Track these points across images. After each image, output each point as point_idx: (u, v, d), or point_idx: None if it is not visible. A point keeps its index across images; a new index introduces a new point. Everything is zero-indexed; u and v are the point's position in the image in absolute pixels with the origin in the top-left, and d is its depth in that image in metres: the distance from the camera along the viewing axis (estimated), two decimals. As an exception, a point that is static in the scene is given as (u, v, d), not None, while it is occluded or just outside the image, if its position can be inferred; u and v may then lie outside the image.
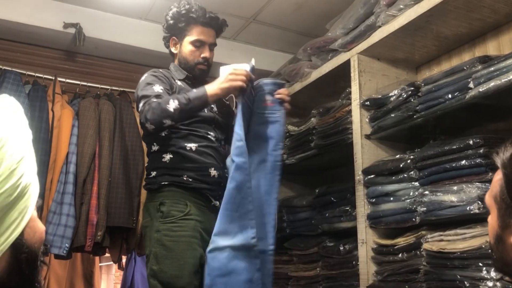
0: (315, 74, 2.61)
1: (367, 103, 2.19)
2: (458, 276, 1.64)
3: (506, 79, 1.59)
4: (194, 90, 1.88)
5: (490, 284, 1.54)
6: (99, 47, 3.11)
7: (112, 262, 3.24)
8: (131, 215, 2.75)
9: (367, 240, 2.06)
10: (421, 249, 1.82)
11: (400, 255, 1.91)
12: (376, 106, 2.17)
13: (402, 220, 1.92)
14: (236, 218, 1.73)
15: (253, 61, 1.93)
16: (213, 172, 1.95)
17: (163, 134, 1.97)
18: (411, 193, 1.89)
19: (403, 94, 2.02)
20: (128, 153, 2.87)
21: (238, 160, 1.76)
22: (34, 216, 0.80)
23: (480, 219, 1.64)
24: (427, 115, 1.90)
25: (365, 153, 2.17)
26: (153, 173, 1.95)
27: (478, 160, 1.67)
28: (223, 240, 1.73)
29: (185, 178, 1.91)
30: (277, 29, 3.25)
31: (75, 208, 2.63)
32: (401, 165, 1.95)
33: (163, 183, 1.91)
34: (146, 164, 2.11)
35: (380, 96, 2.15)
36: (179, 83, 2.05)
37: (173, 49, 2.17)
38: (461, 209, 1.67)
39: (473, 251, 1.62)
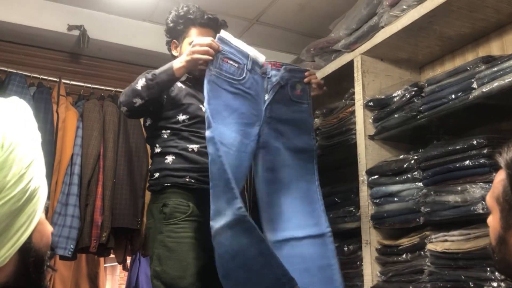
0: (319, 75, 2.60)
1: (371, 103, 2.19)
2: (463, 277, 1.64)
3: (510, 79, 1.58)
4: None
5: (494, 284, 1.53)
6: (103, 49, 3.12)
7: (117, 263, 3.25)
8: (135, 216, 2.76)
9: (371, 240, 2.06)
10: (425, 250, 1.82)
11: (404, 255, 1.91)
12: (379, 107, 2.17)
13: (406, 220, 1.92)
14: (221, 192, 1.69)
15: (222, 33, 1.90)
16: None
17: (165, 136, 1.97)
18: (415, 194, 1.89)
19: (406, 94, 2.02)
20: (132, 155, 2.88)
21: (207, 133, 1.74)
22: (42, 219, 0.80)
23: (484, 219, 1.61)
24: (430, 115, 1.90)
25: (368, 153, 2.17)
26: (156, 175, 1.96)
27: (482, 160, 1.66)
28: (218, 221, 1.68)
29: (187, 179, 1.91)
30: (280, 30, 3.25)
31: (80, 209, 2.65)
32: (404, 166, 1.95)
33: (165, 184, 1.92)
34: (149, 166, 2.12)
35: (383, 97, 2.15)
36: (180, 85, 2.05)
37: (174, 52, 2.17)
38: (465, 209, 1.67)
39: (477, 252, 1.62)
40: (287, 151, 1.95)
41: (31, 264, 0.75)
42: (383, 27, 2.16)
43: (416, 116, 1.96)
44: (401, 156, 2.02)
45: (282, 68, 1.99)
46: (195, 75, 2.06)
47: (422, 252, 1.83)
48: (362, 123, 2.20)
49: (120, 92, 3.06)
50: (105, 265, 4.73)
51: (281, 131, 1.96)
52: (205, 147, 1.95)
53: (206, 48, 1.80)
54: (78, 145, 2.75)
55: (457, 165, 1.74)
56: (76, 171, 2.69)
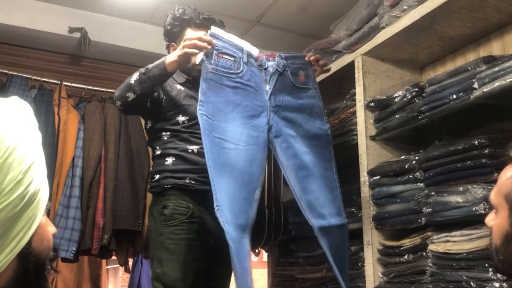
0: (319, 76, 2.60)
1: (372, 104, 2.19)
2: (464, 277, 1.64)
3: (511, 79, 1.58)
4: None
5: (496, 285, 1.53)
6: (104, 51, 3.13)
7: (119, 265, 3.25)
8: (137, 218, 2.76)
9: (372, 241, 2.06)
10: (427, 250, 1.81)
11: (406, 256, 1.91)
12: (380, 107, 2.16)
13: (407, 221, 1.91)
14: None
15: (213, 29, 1.89)
16: None
17: (165, 138, 1.97)
18: (417, 194, 1.88)
19: (407, 95, 2.02)
20: (133, 156, 2.89)
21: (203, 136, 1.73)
22: (43, 222, 0.77)
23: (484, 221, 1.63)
24: (432, 115, 1.90)
25: (370, 154, 2.17)
26: (157, 177, 1.96)
27: (483, 161, 1.66)
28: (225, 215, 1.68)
29: (187, 181, 1.91)
30: (281, 31, 3.25)
31: (81, 212, 2.65)
32: (406, 166, 1.95)
33: (166, 186, 1.92)
34: (151, 168, 2.12)
35: (384, 97, 2.14)
36: (179, 87, 2.05)
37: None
38: (466, 209, 1.66)
39: (479, 252, 1.61)
40: (301, 138, 1.91)
41: (30, 270, 0.73)
42: (383, 27, 2.15)
43: (417, 117, 1.96)
44: (403, 157, 2.02)
45: (277, 56, 1.96)
46: (194, 76, 2.05)
47: (424, 253, 1.83)
48: (363, 123, 2.20)
49: (121, 94, 3.09)
50: (107, 267, 4.74)
51: (291, 119, 1.92)
52: None
53: (195, 41, 1.78)
54: (79, 147, 2.76)
55: (459, 166, 1.74)
56: (78, 173, 2.70)
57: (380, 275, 2.01)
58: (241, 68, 1.86)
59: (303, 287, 2.54)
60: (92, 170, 2.73)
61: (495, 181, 1.58)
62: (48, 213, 0.82)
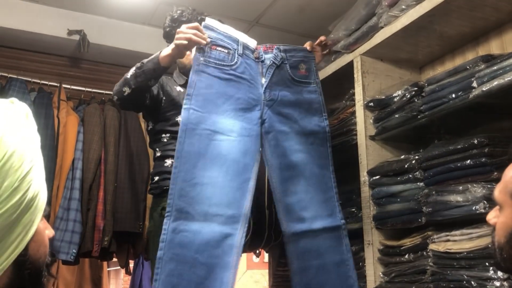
0: (319, 76, 2.61)
1: (371, 104, 2.19)
2: (465, 276, 1.63)
3: (509, 78, 1.58)
4: None
5: (497, 283, 1.53)
6: (104, 53, 3.13)
7: (120, 267, 3.25)
8: (137, 220, 2.76)
9: (373, 241, 2.06)
10: (428, 250, 1.81)
11: (406, 256, 1.91)
12: (380, 107, 2.16)
13: (408, 220, 1.91)
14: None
15: (208, 20, 1.84)
16: None
17: (165, 140, 1.97)
18: (417, 194, 1.88)
19: (406, 94, 2.02)
20: (133, 158, 2.89)
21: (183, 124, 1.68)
22: (40, 227, 0.75)
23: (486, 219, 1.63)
24: (431, 115, 1.90)
25: (369, 154, 2.17)
26: (156, 178, 1.96)
27: (483, 160, 1.66)
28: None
29: None
30: (280, 32, 3.25)
31: (81, 214, 2.66)
32: (406, 166, 1.95)
33: (165, 187, 1.91)
34: (151, 170, 2.12)
35: (383, 97, 2.14)
36: (179, 88, 2.05)
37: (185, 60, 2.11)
38: (466, 209, 1.66)
39: (479, 251, 1.61)
40: (296, 135, 1.82)
41: (26, 277, 0.71)
42: (382, 27, 2.15)
43: (417, 116, 1.96)
44: (402, 156, 2.02)
45: (275, 49, 1.88)
46: None
47: (424, 252, 1.83)
48: (363, 123, 2.20)
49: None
50: (108, 269, 4.73)
51: (286, 114, 1.83)
52: None
53: (188, 35, 1.71)
54: (79, 150, 2.76)
55: (459, 165, 1.74)
56: (78, 176, 2.70)
57: (381, 275, 2.01)
58: (235, 60, 1.79)
59: None
60: (92, 172, 2.74)
61: (495, 180, 1.59)
62: (47, 217, 0.80)
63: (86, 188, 2.71)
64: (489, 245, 1.57)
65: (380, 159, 2.15)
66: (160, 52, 1.80)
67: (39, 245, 0.75)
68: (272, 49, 1.88)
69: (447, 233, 1.75)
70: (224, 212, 1.60)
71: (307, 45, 1.96)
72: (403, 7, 2.02)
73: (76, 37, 2.92)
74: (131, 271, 3.92)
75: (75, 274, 3.67)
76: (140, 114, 3.02)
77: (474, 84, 1.71)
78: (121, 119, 2.92)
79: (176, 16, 2.06)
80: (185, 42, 1.71)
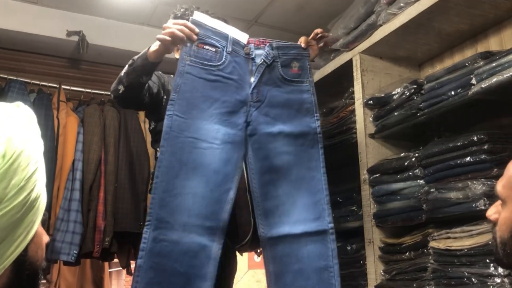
0: (318, 75, 2.61)
1: (370, 102, 2.19)
2: (466, 273, 1.64)
3: (508, 74, 1.58)
4: None
5: (498, 280, 1.53)
6: (103, 53, 3.13)
7: (121, 268, 3.26)
8: (137, 220, 2.76)
9: (374, 239, 2.06)
10: (428, 247, 1.81)
11: (407, 253, 1.91)
12: (379, 105, 2.16)
13: (408, 218, 1.91)
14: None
15: (196, 15, 1.75)
16: None
17: None
18: (417, 191, 1.88)
19: (406, 92, 2.02)
20: (133, 159, 2.89)
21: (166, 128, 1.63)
22: (39, 231, 0.77)
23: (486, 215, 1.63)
24: (430, 112, 1.90)
25: (369, 152, 2.17)
26: None
27: (482, 156, 1.66)
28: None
29: None
30: (279, 31, 3.25)
31: (82, 215, 2.66)
32: (406, 163, 1.95)
33: None
34: (152, 170, 2.12)
35: (383, 95, 2.15)
36: None
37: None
38: (467, 206, 1.66)
39: (480, 248, 1.61)
40: (284, 137, 1.74)
41: (25, 277, 0.73)
42: (381, 25, 2.15)
43: (416, 114, 1.96)
44: (402, 154, 2.02)
45: (267, 46, 1.79)
46: None
47: (425, 250, 1.83)
48: (362, 121, 2.20)
49: (120, 96, 3.10)
50: (110, 270, 4.74)
51: (274, 116, 1.75)
52: None
53: (173, 30, 1.64)
54: (79, 151, 2.76)
55: (458, 162, 1.74)
56: (78, 177, 2.70)
57: (382, 273, 2.01)
58: (223, 59, 1.71)
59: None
60: (92, 173, 2.74)
61: (495, 177, 1.59)
62: (44, 222, 0.81)
63: (87, 189, 2.71)
64: (490, 242, 1.57)
65: (380, 157, 2.15)
66: (148, 48, 1.74)
67: (37, 248, 0.76)
68: (265, 45, 1.81)
69: (448, 231, 1.76)
70: (202, 223, 1.57)
71: (301, 41, 1.90)
72: (402, 4, 2.02)
73: (75, 38, 2.92)
74: (133, 271, 3.92)
75: (76, 275, 3.68)
76: (140, 114, 3.02)
77: (473, 81, 1.72)
78: (121, 120, 2.92)
79: (179, 14, 2.02)
80: (168, 38, 1.65)
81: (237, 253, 2.09)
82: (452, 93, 1.80)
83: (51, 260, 2.65)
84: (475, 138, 1.69)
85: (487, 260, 1.58)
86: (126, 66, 1.80)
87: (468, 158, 1.70)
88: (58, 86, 2.90)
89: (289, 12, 3.01)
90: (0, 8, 2.76)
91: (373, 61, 2.31)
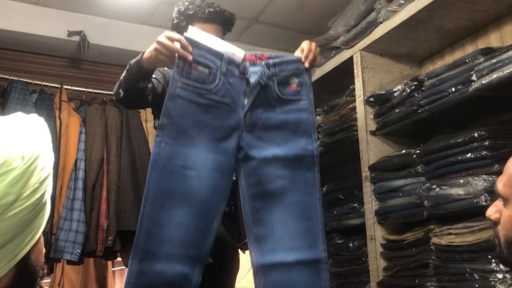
0: (319, 72, 2.62)
1: (371, 99, 2.19)
2: (468, 269, 1.64)
3: (509, 70, 1.58)
4: None
5: (499, 276, 1.53)
6: (104, 53, 3.14)
7: (125, 267, 3.26)
8: (140, 219, 2.77)
9: (376, 236, 2.06)
10: (430, 243, 1.82)
11: (409, 250, 1.91)
12: (380, 102, 2.17)
13: (410, 215, 1.92)
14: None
15: (190, 32, 1.61)
16: None
17: None
18: (418, 188, 1.89)
19: (406, 89, 2.02)
20: (135, 158, 2.89)
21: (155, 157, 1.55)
22: (41, 240, 0.79)
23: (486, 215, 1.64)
24: (431, 109, 1.90)
25: (371, 149, 2.17)
26: None
27: (483, 153, 1.66)
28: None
29: None
30: (280, 29, 3.26)
31: (85, 214, 2.66)
32: (407, 160, 1.95)
33: None
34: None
35: (384, 92, 2.15)
36: None
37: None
38: (468, 202, 1.67)
39: (481, 244, 1.62)
40: (278, 161, 1.64)
41: (25, 282, 0.74)
42: (381, 22, 2.16)
43: (417, 110, 1.96)
44: (403, 151, 2.02)
45: (263, 64, 1.65)
46: None
47: (426, 246, 1.84)
48: (363, 119, 2.20)
49: (122, 96, 3.11)
50: (113, 269, 4.74)
51: (268, 139, 1.65)
52: None
53: (167, 48, 1.56)
54: (81, 150, 2.77)
55: (459, 158, 1.75)
56: (80, 176, 2.71)
57: (384, 270, 2.01)
58: (216, 81, 1.60)
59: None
60: (95, 172, 2.75)
61: (496, 173, 1.59)
62: (45, 234, 0.84)
63: (89, 188, 2.72)
64: (491, 238, 1.57)
65: (381, 154, 2.15)
66: (143, 54, 1.67)
67: (39, 254, 0.78)
68: (261, 60, 1.66)
69: (449, 227, 1.76)
70: (185, 253, 1.53)
71: (300, 53, 1.73)
72: (402, 1, 2.03)
73: (76, 38, 2.92)
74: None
75: (80, 274, 3.69)
76: (142, 113, 3.03)
77: (474, 78, 1.72)
78: (123, 119, 2.93)
79: (182, 10, 1.96)
80: (162, 57, 1.58)
81: (240, 252, 2.10)
82: (453, 89, 1.80)
83: (55, 259, 2.66)
84: (476, 135, 1.69)
85: (489, 256, 1.59)
86: (125, 69, 1.77)
87: (469, 155, 1.71)
88: (59, 86, 2.91)
89: (289, 10, 3.01)
90: (1, 9, 2.77)
91: (374, 58, 2.31)
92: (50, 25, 2.89)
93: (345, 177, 2.52)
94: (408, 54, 2.35)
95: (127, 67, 1.74)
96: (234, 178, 1.69)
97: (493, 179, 1.60)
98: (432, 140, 1.93)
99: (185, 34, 1.60)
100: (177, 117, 1.56)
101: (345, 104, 2.41)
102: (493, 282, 1.54)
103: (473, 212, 1.69)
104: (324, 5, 2.93)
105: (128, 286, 1.49)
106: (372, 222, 2.08)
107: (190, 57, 1.56)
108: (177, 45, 1.56)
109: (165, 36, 1.57)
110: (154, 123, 2.07)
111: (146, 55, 1.64)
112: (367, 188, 2.13)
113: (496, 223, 0.98)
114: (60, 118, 2.78)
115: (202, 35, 1.63)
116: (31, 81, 2.89)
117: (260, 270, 1.59)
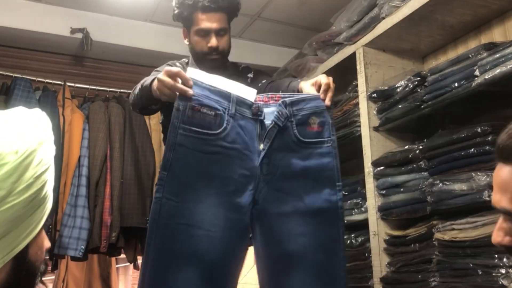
0: (322, 68, 2.61)
1: (374, 95, 2.19)
2: (471, 265, 1.64)
3: (512, 65, 1.58)
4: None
5: (503, 271, 1.53)
6: (107, 50, 3.14)
7: (128, 263, 3.28)
8: (144, 215, 2.78)
9: (379, 232, 2.07)
10: (433, 239, 1.82)
11: (412, 245, 1.91)
12: (383, 98, 2.16)
13: (413, 210, 1.92)
14: None
15: (190, 71, 1.44)
16: None
17: None
18: (421, 183, 1.89)
19: (409, 84, 2.02)
20: (139, 154, 2.91)
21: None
22: (42, 235, 0.78)
23: (490, 206, 1.63)
24: (434, 104, 1.90)
25: (373, 145, 2.17)
26: None
27: (487, 148, 1.66)
28: None
29: None
30: (282, 25, 3.25)
31: (89, 210, 2.68)
32: (410, 156, 1.95)
33: None
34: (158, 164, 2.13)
35: (386, 88, 2.14)
36: None
37: (186, 41, 1.92)
38: (471, 197, 1.66)
39: (484, 239, 1.61)
40: (299, 216, 1.44)
41: (23, 277, 0.74)
42: (384, 18, 2.15)
43: (420, 106, 1.96)
44: (406, 147, 2.02)
45: (279, 104, 1.46)
46: (207, 65, 1.85)
47: (430, 242, 1.84)
48: (366, 115, 2.20)
49: (125, 93, 3.12)
50: (117, 265, 4.76)
51: (288, 190, 1.45)
52: None
53: (167, 91, 1.40)
54: (85, 147, 2.78)
55: (462, 153, 1.74)
56: (84, 173, 2.72)
57: (387, 265, 2.01)
58: (224, 125, 1.40)
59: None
60: (98, 169, 2.76)
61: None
62: (47, 229, 0.84)
63: (93, 185, 2.73)
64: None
65: (384, 150, 2.15)
66: (154, 80, 1.49)
67: (38, 249, 0.77)
68: (275, 101, 1.47)
69: (452, 222, 1.76)
70: None
71: (314, 88, 1.57)
72: (404, -3, 2.02)
73: (79, 35, 2.93)
74: (140, 266, 3.94)
75: (84, 271, 3.70)
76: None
77: (477, 73, 1.71)
78: (126, 116, 2.94)
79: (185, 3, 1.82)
80: (166, 94, 1.41)
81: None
82: (456, 85, 1.80)
83: (59, 255, 2.67)
84: (479, 130, 1.69)
85: (492, 251, 1.58)
86: (139, 86, 1.63)
87: (472, 150, 1.71)
88: (63, 83, 2.92)
89: (291, 6, 3.01)
90: (4, 6, 2.77)
91: (377, 54, 2.31)
92: (53, 23, 2.90)
93: (348, 173, 2.52)
94: (411, 50, 2.35)
95: (139, 86, 1.63)
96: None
97: (496, 174, 1.60)
98: (435, 135, 1.93)
99: (194, 72, 1.45)
100: (179, 169, 1.36)
101: (348, 100, 2.41)
102: (496, 277, 1.54)
103: (476, 207, 1.69)
104: (326, 1, 2.92)
105: None
106: (375, 218, 2.08)
107: (191, 92, 1.37)
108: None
109: (164, 73, 1.40)
110: (160, 118, 2.07)
111: (154, 85, 1.49)
112: (370, 184, 2.13)
113: (508, 248, 0.85)
114: (63, 115, 2.80)
115: (203, 74, 1.45)
116: (34, 78, 2.90)
117: None
